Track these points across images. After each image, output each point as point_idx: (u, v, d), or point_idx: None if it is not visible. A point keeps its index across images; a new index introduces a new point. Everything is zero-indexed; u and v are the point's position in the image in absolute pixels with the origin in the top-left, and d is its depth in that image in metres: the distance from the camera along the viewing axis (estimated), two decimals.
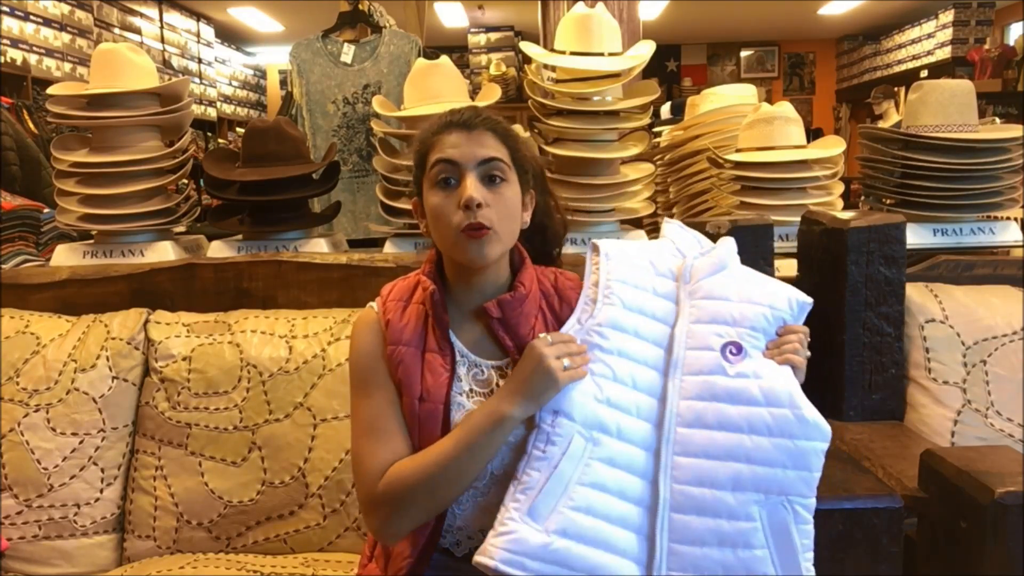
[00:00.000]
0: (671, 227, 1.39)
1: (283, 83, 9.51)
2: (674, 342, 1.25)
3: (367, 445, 1.24)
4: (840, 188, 2.32)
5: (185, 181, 3.04)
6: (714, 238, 1.39)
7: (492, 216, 1.21)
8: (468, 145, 1.22)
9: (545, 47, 2.46)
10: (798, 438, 1.18)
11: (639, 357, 1.23)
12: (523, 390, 1.16)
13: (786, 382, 1.21)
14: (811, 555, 1.18)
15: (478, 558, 1.14)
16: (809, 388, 1.22)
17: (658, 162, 2.78)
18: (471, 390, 1.26)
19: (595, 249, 1.32)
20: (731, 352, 1.23)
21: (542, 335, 1.20)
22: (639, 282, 1.28)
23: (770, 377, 1.21)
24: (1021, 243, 2.13)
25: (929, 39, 7.65)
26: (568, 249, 2.01)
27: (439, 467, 1.18)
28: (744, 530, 1.16)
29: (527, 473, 1.17)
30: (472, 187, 1.20)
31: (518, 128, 1.36)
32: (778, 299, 1.27)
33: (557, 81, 2.23)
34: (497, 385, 1.26)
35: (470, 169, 1.22)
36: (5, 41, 4.63)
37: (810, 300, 1.29)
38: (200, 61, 7.76)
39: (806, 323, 1.28)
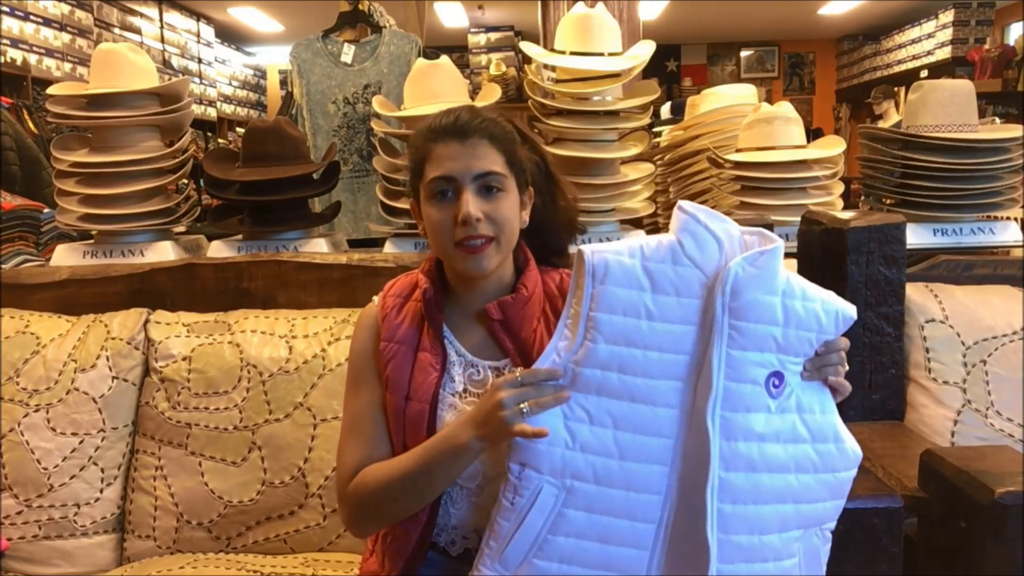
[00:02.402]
0: (683, 218, 1.13)
1: (283, 83, 9.50)
2: (711, 371, 1.10)
3: (346, 443, 1.28)
4: (840, 188, 2.32)
5: (185, 181, 3.02)
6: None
7: (490, 228, 1.20)
8: (464, 158, 1.20)
9: (545, 47, 2.46)
10: (839, 471, 1.15)
11: (623, 393, 1.12)
12: (478, 427, 1.14)
13: (830, 412, 1.16)
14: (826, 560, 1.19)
15: None
16: None
17: (658, 162, 2.78)
18: (465, 390, 1.26)
19: (581, 260, 1.13)
20: (774, 384, 1.12)
21: (513, 371, 1.16)
22: (630, 306, 1.12)
23: (815, 410, 1.15)
24: (1021, 243, 2.13)
25: (929, 39, 7.65)
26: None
27: (399, 482, 1.20)
28: (785, 567, 1.14)
29: (497, 522, 1.14)
30: (469, 203, 1.19)
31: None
32: (826, 319, 1.14)
33: (557, 81, 2.23)
34: None
35: (467, 183, 1.20)
36: (5, 41, 4.63)
37: (854, 312, 1.16)
38: (200, 61, 7.75)
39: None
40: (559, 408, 1.12)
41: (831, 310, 1.14)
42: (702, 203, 2.66)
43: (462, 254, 1.21)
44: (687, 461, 1.12)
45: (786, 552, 1.14)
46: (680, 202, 1.17)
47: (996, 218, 2.15)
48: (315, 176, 2.27)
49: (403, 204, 2.15)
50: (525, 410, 1.10)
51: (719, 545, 1.10)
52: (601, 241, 1.93)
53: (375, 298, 1.33)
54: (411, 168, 1.27)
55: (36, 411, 1.80)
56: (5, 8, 4.69)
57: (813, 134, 6.03)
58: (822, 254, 1.83)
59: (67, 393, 1.81)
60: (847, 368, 1.17)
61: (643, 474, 1.12)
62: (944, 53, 7.35)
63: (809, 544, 1.16)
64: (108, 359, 1.84)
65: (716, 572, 1.10)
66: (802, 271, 1.91)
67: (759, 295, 1.11)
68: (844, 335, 1.17)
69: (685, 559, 1.12)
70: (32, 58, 4.91)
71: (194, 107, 2.42)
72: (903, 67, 8.08)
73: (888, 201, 2.19)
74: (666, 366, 1.12)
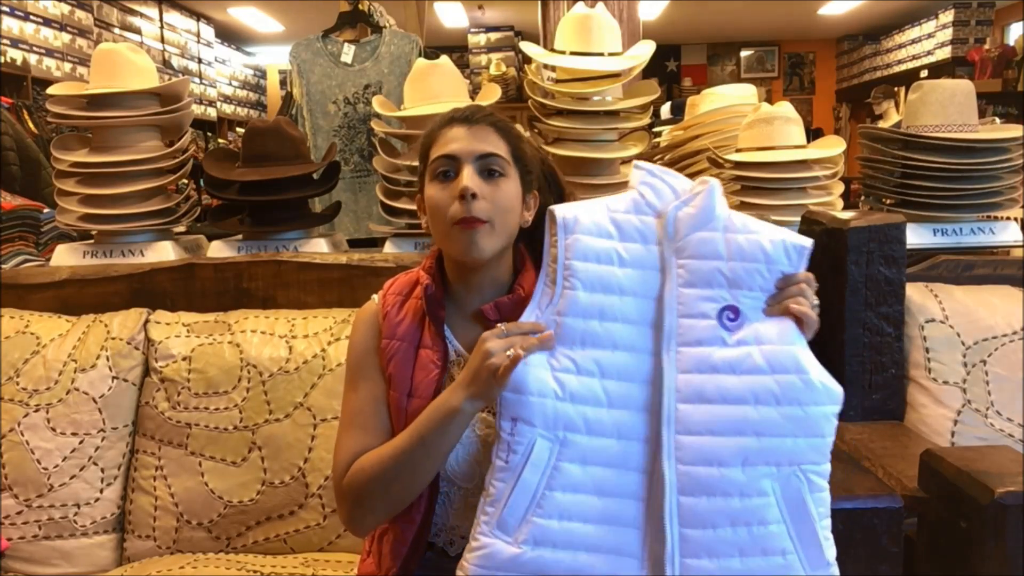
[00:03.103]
0: (640, 173, 1.21)
1: (283, 83, 9.51)
2: (664, 310, 1.14)
3: (343, 437, 1.28)
4: (840, 188, 2.32)
5: (185, 181, 3.04)
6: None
7: (488, 208, 1.20)
8: (468, 139, 1.22)
9: (545, 47, 2.47)
10: (807, 404, 1.12)
11: (606, 341, 1.14)
12: (469, 384, 1.14)
13: (790, 343, 1.13)
14: (828, 522, 1.13)
15: (457, 572, 1.14)
16: None
17: (658, 162, 2.78)
18: None
19: (551, 218, 1.19)
20: (728, 318, 1.14)
21: (499, 325, 1.16)
22: (603, 253, 1.16)
23: (773, 340, 1.13)
24: (1021, 243, 2.13)
25: (929, 39, 7.65)
26: None
27: (394, 460, 1.18)
28: (757, 506, 1.11)
29: (492, 484, 1.14)
30: (468, 178, 1.19)
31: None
32: (772, 249, 1.15)
33: (557, 81, 2.24)
34: None
35: (468, 162, 1.21)
36: (5, 41, 4.63)
37: (808, 242, 1.16)
38: (200, 61, 7.76)
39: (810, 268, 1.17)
40: (545, 361, 1.14)
41: (777, 240, 1.15)
42: None
43: (458, 230, 1.20)
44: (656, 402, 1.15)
45: (754, 488, 1.11)
46: (636, 161, 1.23)
47: (996, 218, 2.15)
48: (315, 176, 2.27)
49: (403, 204, 2.15)
50: (510, 354, 1.11)
51: (677, 475, 1.11)
52: None
53: (375, 296, 1.33)
54: (419, 159, 1.28)
55: (36, 411, 1.80)
56: (5, 8, 4.69)
57: (813, 134, 6.03)
58: (822, 254, 1.82)
59: (67, 393, 1.81)
60: (815, 301, 1.15)
61: (631, 422, 1.13)
62: (944, 53, 7.35)
63: (789, 487, 1.11)
64: (108, 359, 1.84)
65: (676, 503, 1.11)
66: None
67: (700, 233, 1.15)
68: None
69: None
70: (32, 58, 4.91)
71: (194, 107, 2.42)
72: (903, 67, 8.08)
73: (888, 201, 2.19)
74: (642, 312, 1.15)
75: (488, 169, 1.22)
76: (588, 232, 1.16)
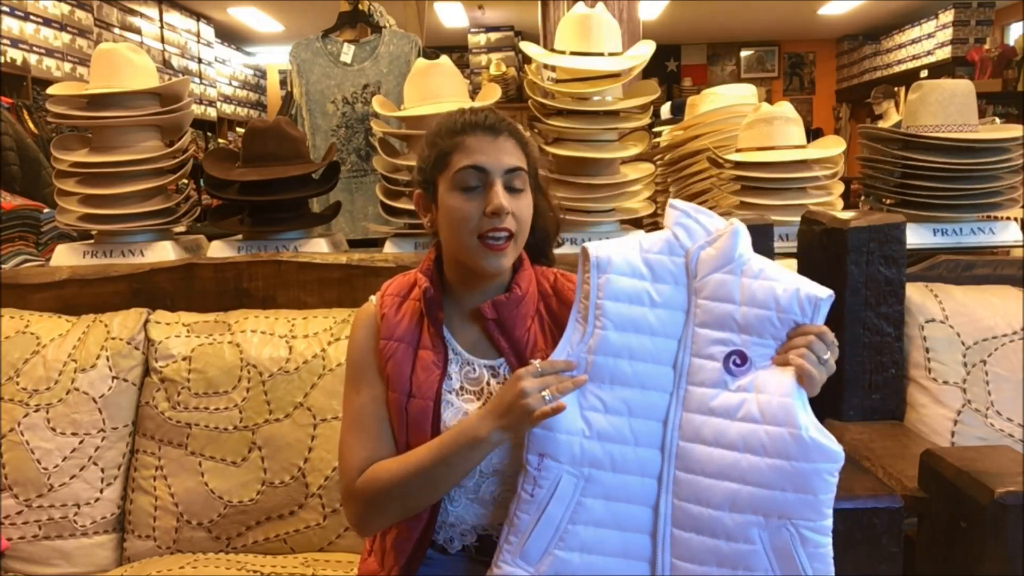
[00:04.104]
0: (676, 213, 1.21)
1: (283, 83, 9.51)
2: (680, 349, 1.16)
3: (350, 439, 1.27)
4: (840, 188, 2.32)
5: (185, 181, 3.04)
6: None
7: (514, 225, 1.21)
8: (495, 152, 1.22)
9: (545, 47, 2.46)
10: (795, 459, 1.10)
11: (635, 381, 1.16)
12: (499, 418, 1.15)
13: (787, 395, 1.11)
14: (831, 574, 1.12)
15: None
16: None
17: (658, 162, 2.78)
18: (462, 388, 1.27)
19: (585, 256, 1.20)
20: (735, 363, 1.15)
21: (533, 362, 1.17)
22: (635, 294, 1.17)
23: (771, 391, 1.12)
24: (1021, 243, 2.13)
25: (929, 39, 7.65)
26: (568, 249, 2.02)
27: (414, 476, 1.19)
28: (743, 552, 1.12)
29: (517, 516, 1.15)
30: (501, 195, 1.20)
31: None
32: (786, 299, 1.14)
33: (557, 81, 2.23)
34: (488, 384, 1.27)
35: (497, 176, 1.21)
36: (5, 41, 4.63)
37: (828, 293, 1.14)
38: (200, 61, 7.75)
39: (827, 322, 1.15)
40: (575, 399, 1.16)
41: (790, 289, 1.14)
42: (701, 203, 2.68)
43: (484, 249, 1.21)
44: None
45: (741, 535, 1.12)
46: (671, 200, 1.23)
47: (996, 218, 2.15)
48: (315, 176, 2.27)
49: (403, 204, 2.15)
50: (547, 397, 1.13)
51: (672, 508, 1.14)
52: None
53: (372, 298, 1.33)
54: (431, 159, 1.26)
55: (36, 411, 1.80)
56: (5, 8, 4.69)
57: (813, 134, 6.03)
58: (822, 254, 1.83)
59: (67, 393, 1.81)
60: (824, 356, 1.12)
61: (653, 460, 1.16)
62: (944, 53, 7.35)
63: (778, 540, 1.11)
64: (108, 359, 1.84)
65: (668, 533, 1.14)
66: (802, 271, 1.91)
67: (718, 274, 1.16)
68: (834, 326, 1.16)
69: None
70: (32, 58, 4.91)
71: (194, 107, 2.42)
72: (903, 67, 8.08)
73: (888, 201, 2.19)
74: (669, 352, 1.17)
75: (512, 184, 1.22)
76: (621, 272, 1.18)
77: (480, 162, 1.21)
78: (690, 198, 2.63)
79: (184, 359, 1.83)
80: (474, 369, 1.27)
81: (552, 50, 2.26)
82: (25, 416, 1.80)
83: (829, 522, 1.12)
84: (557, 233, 1.40)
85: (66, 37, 5.35)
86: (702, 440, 1.14)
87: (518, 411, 1.13)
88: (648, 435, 1.16)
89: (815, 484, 1.11)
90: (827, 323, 1.15)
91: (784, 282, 1.16)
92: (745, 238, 1.18)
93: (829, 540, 1.12)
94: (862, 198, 2.34)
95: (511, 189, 1.22)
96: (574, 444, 1.15)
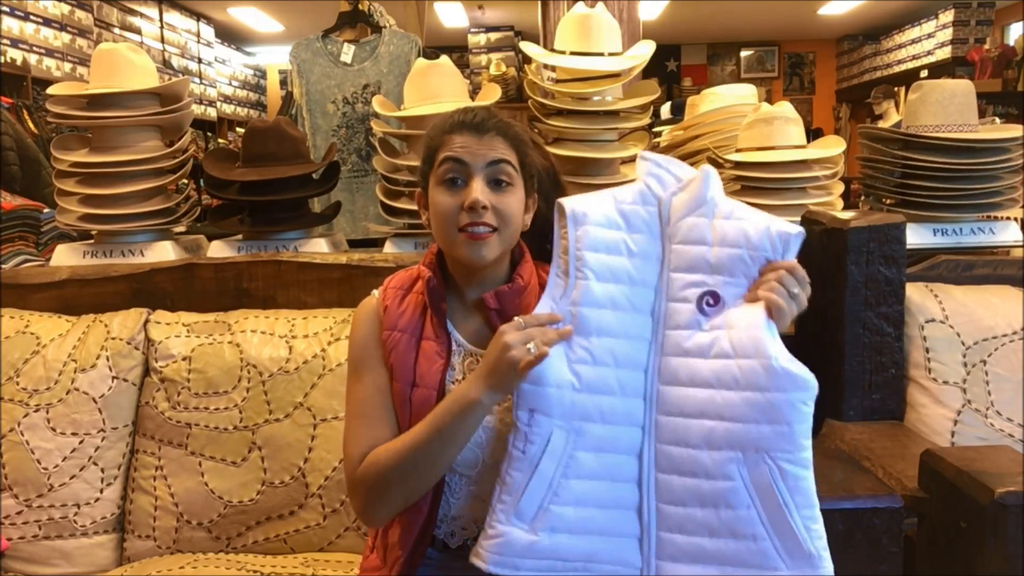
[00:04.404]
0: (647, 164, 1.22)
1: (283, 83, 9.51)
2: (656, 296, 1.17)
3: (353, 428, 1.27)
4: (840, 188, 2.32)
5: (185, 181, 3.04)
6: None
7: (495, 219, 1.22)
8: (478, 147, 1.23)
9: (545, 47, 2.46)
10: (768, 390, 1.10)
11: (619, 331, 1.16)
12: (488, 377, 1.15)
13: (756, 328, 1.11)
14: (811, 513, 1.12)
15: (472, 559, 1.16)
16: None
17: None
18: (464, 378, 1.27)
19: (560, 211, 1.20)
20: (708, 303, 1.15)
21: (516, 318, 1.17)
22: (612, 245, 1.18)
23: (740, 326, 1.13)
24: (1021, 243, 2.13)
25: (929, 39, 7.65)
26: None
27: (411, 451, 1.19)
28: (723, 489, 1.12)
29: (509, 474, 1.15)
30: (478, 189, 1.21)
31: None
32: (756, 237, 1.15)
33: (557, 81, 2.23)
34: None
35: (478, 171, 1.22)
36: (5, 41, 4.63)
37: (796, 230, 1.15)
38: (200, 61, 7.76)
39: (805, 264, 1.15)
40: (562, 352, 1.15)
41: (761, 227, 1.15)
42: None
43: (465, 239, 1.21)
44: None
45: (720, 472, 1.12)
46: (642, 151, 1.24)
47: (996, 218, 2.15)
48: (315, 176, 2.27)
49: (403, 204, 2.15)
50: (532, 349, 1.12)
51: (656, 453, 1.15)
52: None
53: (375, 291, 1.35)
54: (423, 157, 1.29)
55: (36, 411, 1.80)
56: (5, 8, 4.69)
57: (813, 134, 6.04)
58: (822, 254, 1.83)
59: (67, 393, 1.81)
60: (794, 290, 1.13)
61: (638, 409, 1.16)
62: (944, 53, 7.35)
63: (757, 473, 1.11)
64: (108, 359, 1.84)
65: (653, 479, 1.15)
66: None
67: (689, 217, 1.17)
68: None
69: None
70: (32, 58, 4.91)
71: (194, 107, 2.42)
72: (903, 67, 8.08)
73: (888, 201, 2.19)
74: (647, 300, 1.18)
75: (496, 178, 1.23)
76: (598, 224, 1.18)
77: (460, 155, 1.22)
78: None
79: (184, 359, 1.83)
80: (477, 360, 1.27)
81: (552, 50, 2.26)
82: (25, 416, 1.80)
83: (808, 455, 1.12)
84: None
85: (66, 37, 5.35)
86: (678, 381, 1.15)
87: (504, 366, 1.13)
88: (632, 384, 1.16)
89: (789, 414, 1.10)
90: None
91: (754, 221, 1.17)
92: (716, 181, 1.19)
93: (809, 473, 1.12)
94: (862, 198, 2.34)
95: (496, 183, 1.23)
96: (564, 398, 1.14)
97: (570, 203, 1.20)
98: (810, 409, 1.12)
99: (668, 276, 1.17)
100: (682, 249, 1.17)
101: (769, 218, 1.18)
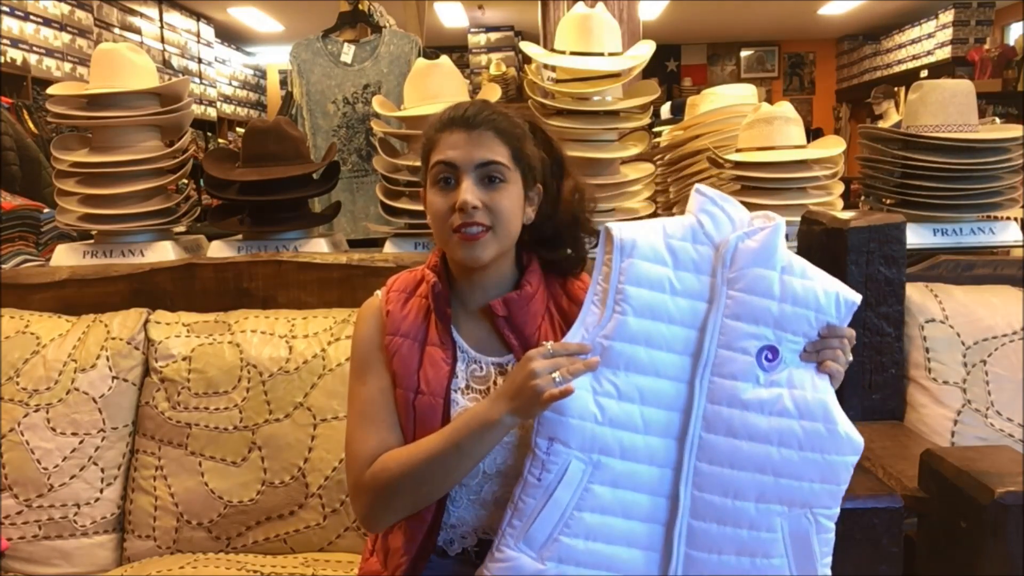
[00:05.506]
0: (701, 200, 1.19)
1: (283, 83, 9.51)
2: (705, 338, 1.15)
3: (358, 431, 1.26)
4: (840, 188, 2.32)
5: (185, 181, 3.04)
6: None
7: (488, 218, 1.20)
8: (468, 146, 1.21)
9: (545, 47, 2.46)
10: (829, 453, 1.15)
11: (650, 368, 1.15)
12: (511, 400, 1.14)
13: (822, 393, 1.15)
14: (829, 560, 1.17)
15: None
16: None
17: (658, 162, 2.78)
18: (467, 386, 1.26)
19: (608, 237, 1.17)
20: (767, 358, 1.15)
21: (544, 343, 1.16)
22: (656, 281, 1.15)
23: (806, 387, 1.15)
24: (1021, 243, 2.13)
25: (929, 39, 7.65)
26: None
27: (426, 463, 1.18)
28: (764, 540, 1.14)
29: (522, 500, 1.14)
30: (467, 190, 1.19)
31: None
32: (825, 300, 1.16)
33: (557, 81, 2.23)
34: (495, 381, 1.26)
35: (468, 171, 1.21)
36: (5, 41, 4.63)
37: (858, 298, 1.18)
38: (200, 61, 7.75)
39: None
40: (588, 383, 1.14)
41: (831, 292, 1.17)
42: None
43: (459, 240, 1.21)
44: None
45: (764, 524, 1.14)
46: (698, 185, 1.21)
47: (996, 218, 2.16)
48: (315, 176, 2.27)
49: (403, 204, 2.15)
50: (557, 379, 1.11)
51: (692, 500, 1.15)
52: None
53: (378, 292, 1.33)
54: (421, 157, 1.28)
55: (36, 411, 1.80)
56: (5, 8, 4.69)
57: (813, 134, 6.03)
58: (822, 254, 1.83)
59: (67, 393, 1.81)
60: (850, 358, 1.18)
61: (664, 449, 1.16)
62: (944, 53, 7.35)
63: (797, 527, 1.14)
64: (108, 359, 1.84)
65: (686, 525, 1.14)
66: None
67: (757, 269, 1.15)
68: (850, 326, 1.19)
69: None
70: (32, 58, 4.91)
71: (194, 107, 2.42)
72: (903, 67, 8.08)
73: (888, 201, 2.19)
74: (686, 341, 1.16)
75: (488, 176, 1.22)
76: (644, 257, 1.16)
77: (449, 157, 1.21)
78: None
79: (184, 359, 1.83)
80: (481, 367, 1.27)
81: (552, 50, 2.26)
82: (25, 416, 1.80)
83: (838, 509, 1.17)
84: (574, 231, 1.34)
85: (66, 37, 5.35)
86: (732, 433, 1.14)
87: (528, 393, 1.12)
88: (659, 423, 1.15)
89: (843, 475, 1.16)
90: None
91: (824, 283, 1.18)
92: (783, 232, 1.18)
93: (834, 526, 1.17)
94: (862, 198, 2.34)
95: (488, 181, 1.21)
96: (586, 429, 1.14)
97: (619, 230, 1.16)
98: (852, 470, 1.17)
99: (722, 322, 1.15)
100: (745, 299, 1.15)
101: (837, 283, 1.18)
